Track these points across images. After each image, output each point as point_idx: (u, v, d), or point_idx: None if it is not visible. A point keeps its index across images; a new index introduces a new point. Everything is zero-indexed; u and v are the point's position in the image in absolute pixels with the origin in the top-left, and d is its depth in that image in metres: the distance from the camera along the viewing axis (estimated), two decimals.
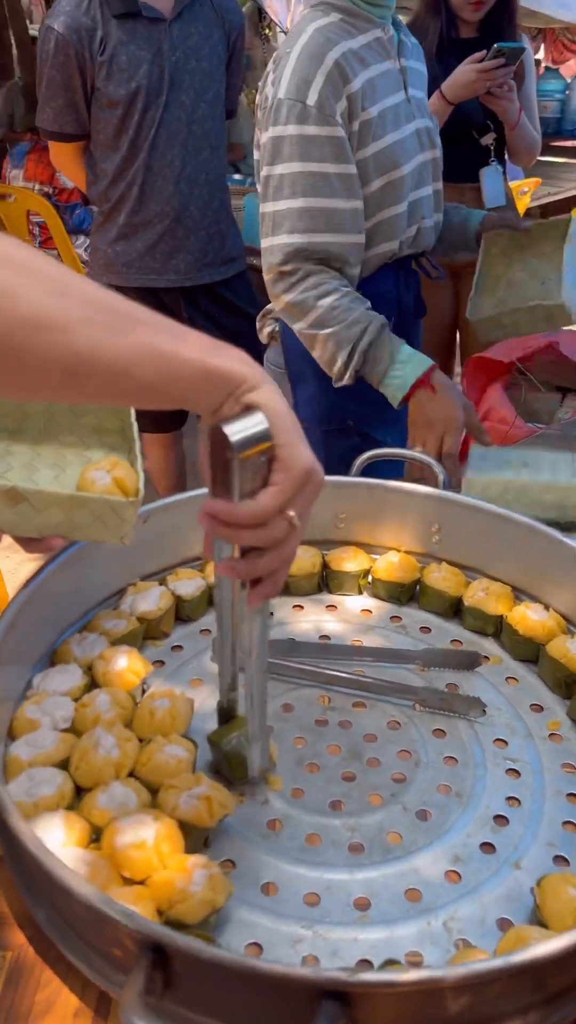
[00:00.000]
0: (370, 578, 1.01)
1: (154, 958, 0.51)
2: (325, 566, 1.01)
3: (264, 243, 1.26)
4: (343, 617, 0.98)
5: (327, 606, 1.00)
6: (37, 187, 3.54)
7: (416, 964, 0.62)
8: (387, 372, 1.22)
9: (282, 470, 0.58)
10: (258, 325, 1.48)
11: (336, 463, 1.44)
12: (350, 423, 1.40)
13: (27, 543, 0.75)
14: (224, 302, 1.99)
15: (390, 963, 0.59)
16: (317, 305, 1.23)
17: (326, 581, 1.02)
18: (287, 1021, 0.52)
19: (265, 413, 0.58)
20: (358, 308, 1.23)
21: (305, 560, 1.00)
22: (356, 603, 1.01)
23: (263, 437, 0.58)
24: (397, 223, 1.32)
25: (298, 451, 0.59)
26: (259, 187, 1.27)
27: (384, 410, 1.29)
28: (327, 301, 1.23)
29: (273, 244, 1.24)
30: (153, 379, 0.54)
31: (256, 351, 1.49)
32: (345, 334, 1.22)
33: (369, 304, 1.25)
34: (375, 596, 1.01)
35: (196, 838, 0.69)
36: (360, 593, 1.01)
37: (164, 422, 2.14)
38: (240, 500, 0.59)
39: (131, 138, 1.79)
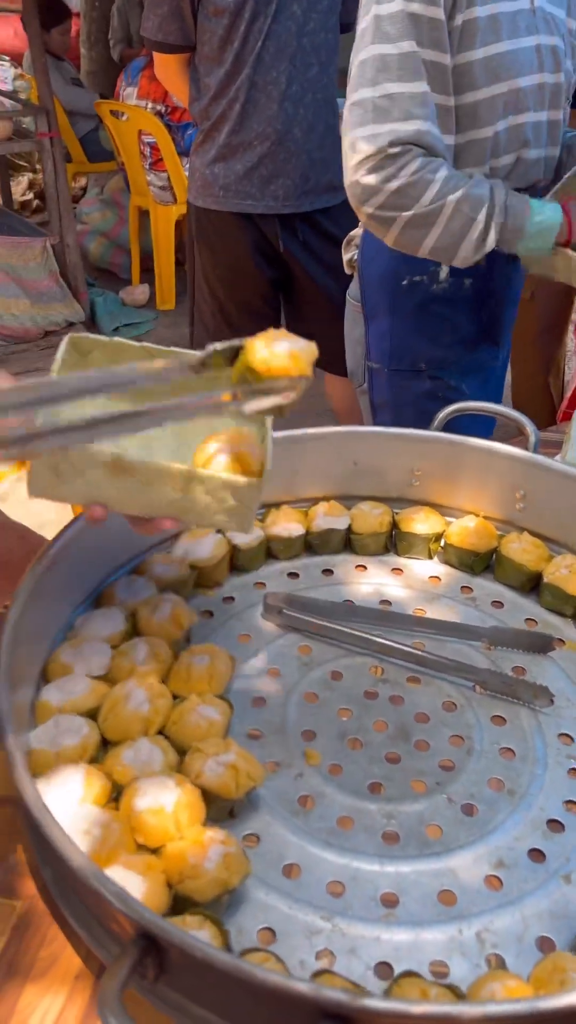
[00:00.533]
0: (442, 543, 0.94)
1: (146, 945, 0.47)
2: (394, 525, 0.94)
3: (359, 132, 1.11)
4: (408, 583, 0.91)
5: (392, 569, 0.93)
6: (150, 105, 3.46)
7: (440, 976, 0.57)
8: (529, 217, 1.11)
9: None
10: (343, 255, 1.39)
11: (407, 408, 1.35)
12: (422, 366, 1.31)
13: (135, 522, 0.70)
14: (323, 232, 1.88)
15: (409, 975, 0.54)
16: (436, 178, 1.10)
17: (394, 542, 0.95)
18: None
19: None
20: (473, 176, 1.13)
21: (373, 517, 0.93)
22: (424, 568, 0.93)
23: None
24: (486, 146, 1.17)
25: None
26: (352, 71, 1.14)
27: (462, 355, 1.19)
28: (443, 173, 1.11)
29: (378, 132, 1.10)
30: None
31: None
32: (477, 193, 1.11)
33: None
34: (446, 563, 0.93)
35: (220, 807, 0.65)
36: (430, 558, 0.94)
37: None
38: None
39: (236, 51, 1.69)
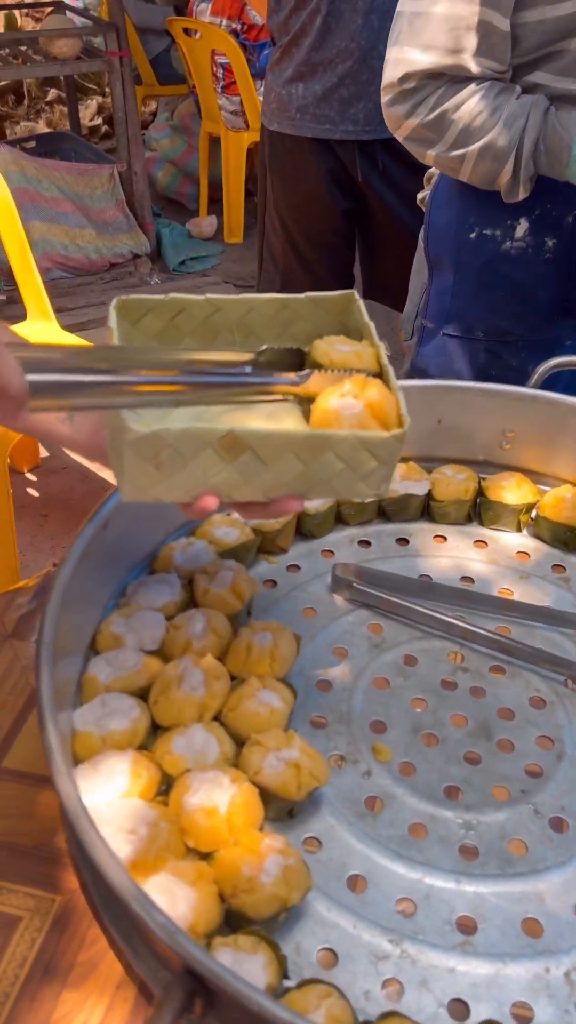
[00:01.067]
0: (534, 514, 0.84)
1: (193, 985, 0.41)
2: (480, 493, 0.85)
3: (389, 52, 0.97)
4: (493, 558, 0.82)
5: (475, 541, 0.84)
6: (224, 23, 3.27)
7: (524, 1021, 0.50)
8: (570, 145, 0.91)
9: None
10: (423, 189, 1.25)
11: (467, 374, 1.16)
12: (480, 335, 1.13)
13: (245, 508, 0.59)
14: (405, 160, 1.73)
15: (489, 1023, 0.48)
16: (456, 117, 0.95)
17: (478, 511, 0.86)
18: None
19: None
20: (508, 103, 0.95)
21: (456, 483, 0.84)
22: (511, 542, 0.84)
23: None
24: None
25: None
26: None
27: (532, 329, 1.04)
28: (468, 107, 0.94)
29: (400, 58, 0.95)
30: None
31: None
32: (519, 109, 0.94)
33: None
34: (537, 536, 0.84)
35: (279, 807, 0.59)
36: (519, 531, 0.85)
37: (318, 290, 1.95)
38: None
39: None
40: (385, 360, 0.61)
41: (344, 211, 1.79)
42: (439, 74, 0.94)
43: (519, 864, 0.58)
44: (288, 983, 0.50)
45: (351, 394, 0.57)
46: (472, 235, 1.07)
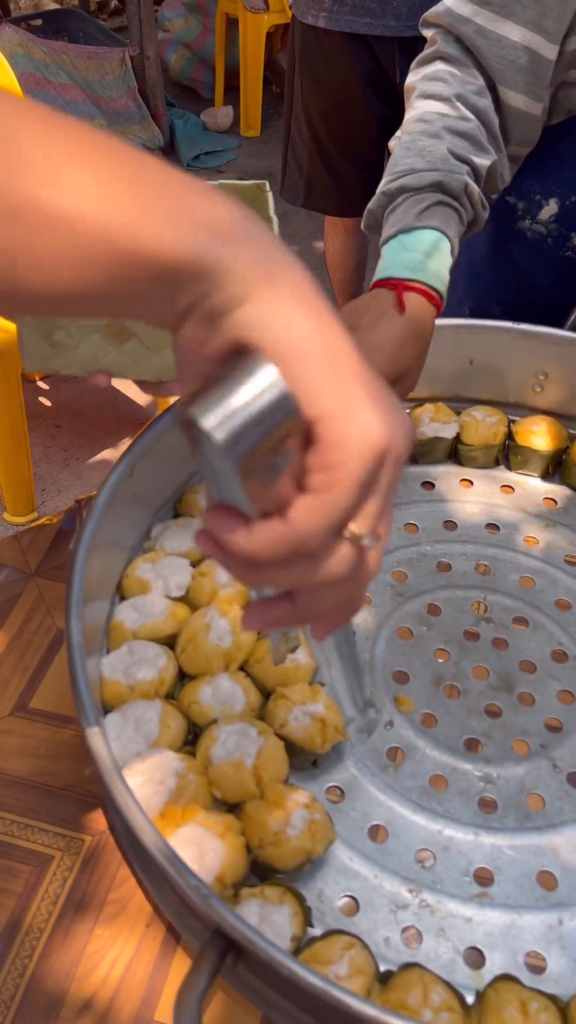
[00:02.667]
0: (563, 460, 0.82)
1: (225, 945, 0.43)
2: (509, 436, 0.83)
3: None
4: (520, 504, 0.81)
5: (502, 486, 0.83)
6: None
7: (537, 971, 0.52)
8: (393, 236, 0.72)
9: (326, 464, 0.31)
10: None
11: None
12: (467, 311, 1.02)
13: (146, 386, 0.63)
14: None
15: (506, 979, 0.50)
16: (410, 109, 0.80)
17: (506, 454, 0.84)
18: None
19: (275, 356, 0.30)
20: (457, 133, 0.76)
21: (486, 427, 0.82)
22: (539, 488, 0.83)
23: (280, 416, 0.30)
24: None
25: (352, 423, 0.31)
26: None
27: (547, 302, 0.90)
28: (419, 110, 0.78)
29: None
30: None
31: None
32: (418, 146, 0.75)
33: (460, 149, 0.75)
34: (566, 483, 0.83)
35: (303, 759, 0.60)
36: (548, 477, 0.83)
37: (349, 205, 1.86)
38: (256, 516, 0.33)
39: None
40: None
41: (379, 118, 1.67)
42: (441, 26, 0.79)
43: (536, 818, 0.59)
44: (312, 931, 0.52)
45: None
46: (495, 197, 0.91)
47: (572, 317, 0.82)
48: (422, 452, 0.83)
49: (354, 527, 0.33)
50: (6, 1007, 0.52)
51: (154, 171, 0.30)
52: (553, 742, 0.63)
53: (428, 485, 0.83)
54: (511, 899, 0.55)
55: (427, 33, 0.80)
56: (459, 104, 0.76)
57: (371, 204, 0.76)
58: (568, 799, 0.60)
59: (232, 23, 3.38)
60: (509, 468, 0.84)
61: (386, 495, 0.34)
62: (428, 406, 0.83)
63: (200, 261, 0.29)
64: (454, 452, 0.84)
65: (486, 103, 0.76)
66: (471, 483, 0.83)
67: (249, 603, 0.36)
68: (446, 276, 0.71)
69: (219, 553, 0.34)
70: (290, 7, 1.68)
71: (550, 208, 0.89)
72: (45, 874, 0.57)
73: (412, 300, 0.68)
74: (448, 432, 0.82)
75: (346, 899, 0.55)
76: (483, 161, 0.76)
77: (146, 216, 0.28)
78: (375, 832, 0.58)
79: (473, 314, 1.01)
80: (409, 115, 0.78)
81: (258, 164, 3.34)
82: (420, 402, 0.85)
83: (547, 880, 0.56)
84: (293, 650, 0.59)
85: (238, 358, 0.30)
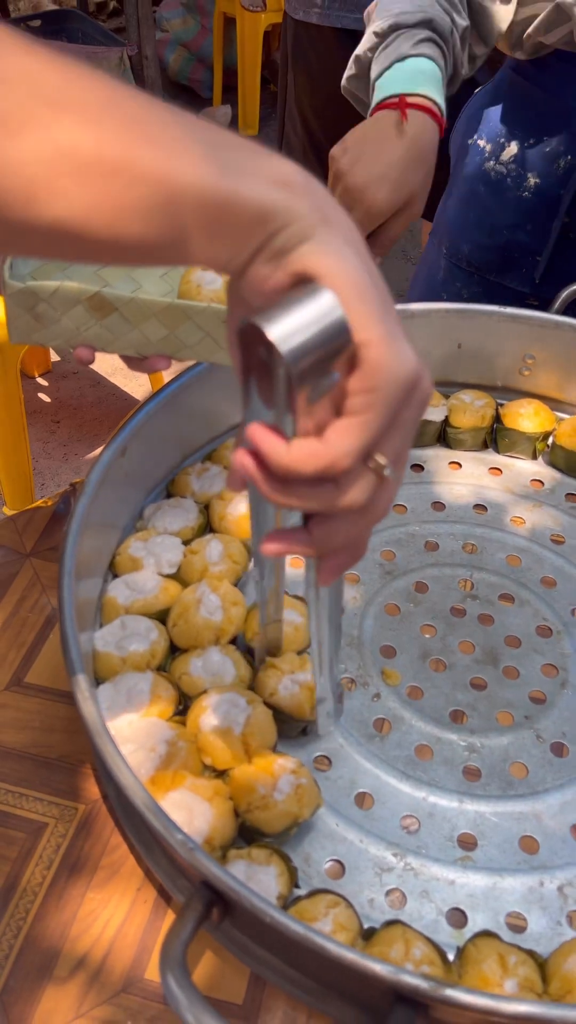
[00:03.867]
0: (550, 442, 0.84)
1: (211, 897, 0.44)
2: (497, 419, 0.85)
3: None
4: (507, 485, 0.83)
5: (490, 468, 0.84)
6: None
7: (517, 930, 0.53)
8: (389, 65, 0.75)
9: (366, 387, 0.35)
10: None
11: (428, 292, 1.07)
12: (444, 250, 1.05)
13: (130, 361, 0.64)
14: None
15: (486, 935, 0.51)
16: None
17: (494, 437, 0.86)
18: (353, 989, 0.45)
19: (332, 286, 0.34)
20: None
21: (474, 410, 0.83)
22: (527, 470, 0.84)
23: (335, 336, 0.34)
24: None
25: (392, 351, 0.35)
26: None
27: (492, 269, 0.93)
28: None
29: None
30: (84, 210, 0.32)
31: None
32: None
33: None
34: (552, 465, 0.84)
35: (292, 727, 0.62)
36: (534, 458, 0.85)
37: None
38: (295, 436, 0.36)
39: None
40: None
41: None
42: None
43: (519, 786, 0.61)
44: (298, 892, 0.53)
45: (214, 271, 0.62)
46: (469, 140, 1.01)
47: (558, 301, 0.84)
48: None
49: (379, 457, 0.36)
50: (1, 966, 0.53)
51: (226, 137, 0.35)
52: (537, 713, 0.65)
53: (417, 468, 0.84)
54: (494, 863, 0.57)
55: None
56: None
57: (359, 49, 0.79)
58: (551, 768, 0.62)
59: (230, 22, 3.40)
60: (497, 451, 0.85)
61: (408, 432, 0.37)
62: None
63: (273, 208, 0.34)
64: (443, 435, 0.85)
65: None
66: (460, 465, 0.85)
67: (270, 532, 0.39)
68: (443, 100, 0.73)
69: (255, 469, 0.37)
70: (284, 4, 1.70)
71: (510, 150, 0.95)
72: (39, 840, 0.58)
73: (415, 118, 0.70)
74: (437, 415, 0.83)
75: (332, 863, 0.56)
76: (461, 21, 0.80)
77: (227, 175, 0.34)
78: (361, 799, 0.60)
79: (448, 253, 1.05)
80: None
81: None
82: None
83: (529, 844, 0.58)
84: (275, 648, 0.60)
85: (300, 287, 0.34)
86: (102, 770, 0.58)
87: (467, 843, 0.58)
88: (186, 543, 0.71)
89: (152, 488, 0.77)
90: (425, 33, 0.75)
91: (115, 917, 0.55)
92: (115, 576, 0.70)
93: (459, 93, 1.59)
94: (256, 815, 0.54)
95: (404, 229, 0.74)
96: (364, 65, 0.79)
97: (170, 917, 0.55)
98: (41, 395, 2.23)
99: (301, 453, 0.35)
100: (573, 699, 0.66)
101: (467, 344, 0.85)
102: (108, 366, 2.33)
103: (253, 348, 0.35)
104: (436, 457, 0.85)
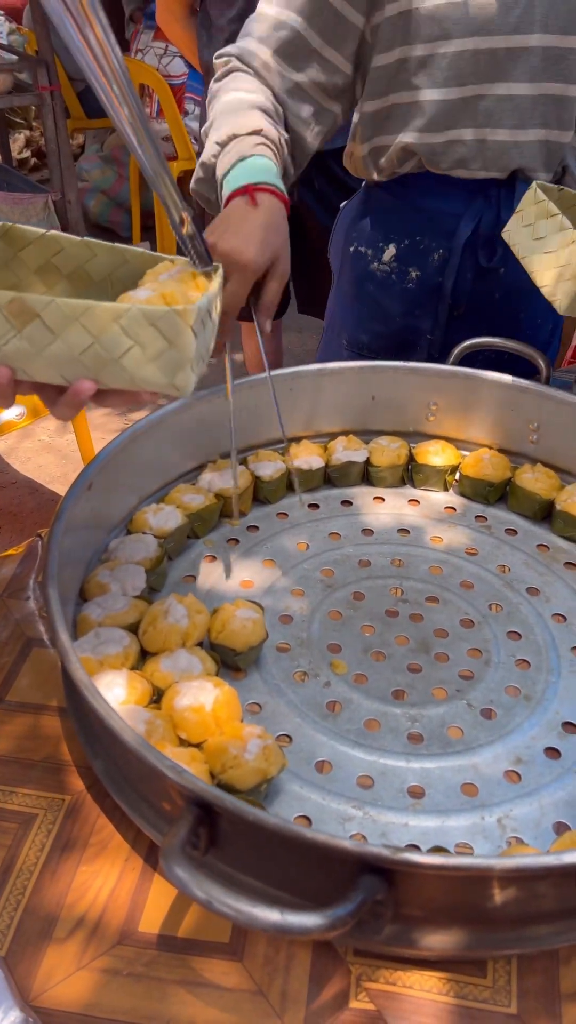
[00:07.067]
0: (457, 475, 0.97)
1: (199, 814, 0.51)
2: (411, 458, 0.97)
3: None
4: (425, 512, 0.95)
5: (409, 500, 0.97)
6: (169, 47, 3.40)
7: (465, 854, 0.61)
8: (234, 165, 0.89)
9: None
10: None
11: None
12: (344, 343, 1.21)
13: (51, 401, 0.60)
14: (338, 181, 1.88)
15: (438, 849, 0.59)
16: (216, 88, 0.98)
17: (410, 474, 0.98)
18: (328, 891, 0.51)
19: None
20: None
21: (390, 450, 0.96)
22: (441, 499, 0.97)
23: None
24: (418, 112, 0.98)
25: None
26: None
27: (390, 351, 1.11)
28: (225, 85, 0.97)
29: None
30: None
31: None
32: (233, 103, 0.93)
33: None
34: (461, 494, 0.97)
35: (244, 658, 0.72)
36: (446, 490, 0.97)
37: None
38: None
39: None
40: (215, 282, 0.66)
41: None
42: (236, 56, 0.99)
43: (457, 745, 0.69)
44: None
45: (148, 287, 0.63)
46: (352, 248, 1.16)
47: (452, 355, 0.99)
48: (338, 475, 0.96)
49: None
50: (3, 935, 0.57)
51: None
52: (467, 687, 0.74)
53: (346, 503, 0.96)
54: (440, 806, 0.65)
55: (218, 62, 1.00)
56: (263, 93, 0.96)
57: (204, 156, 0.93)
58: (482, 728, 0.71)
59: None
60: (414, 485, 0.98)
61: None
62: (341, 438, 0.97)
63: None
64: (366, 474, 0.97)
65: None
66: (383, 499, 0.97)
67: None
68: (283, 185, 0.89)
69: None
70: (193, 146, 1.94)
71: (390, 251, 1.12)
72: (31, 828, 0.64)
73: (264, 199, 0.85)
74: (359, 457, 0.96)
75: (300, 817, 0.63)
76: (284, 133, 0.97)
77: None
78: (321, 766, 0.67)
79: (349, 344, 1.21)
80: (221, 98, 0.96)
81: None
82: (334, 435, 0.99)
83: (469, 790, 0.66)
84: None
85: None
86: (86, 738, 0.65)
87: (416, 793, 0.66)
88: (148, 572, 0.80)
89: (113, 528, 0.86)
90: (259, 139, 0.91)
91: (106, 884, 0.60)
92: (85, 601, 0.78)
93: (333, 208, 1.82)
94: (230, 774, 0.61)
95: (280, 289, 0.87)
96: (209, 169, 0.95)
97: (158, 880, 0.61)
98: None
99: None
100: (496, 674, 0.75)
101: (380, 396, 0.99)
102: (46, 475, 2.42)
103: None
104: (362, 493, 0.97)
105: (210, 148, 0.93)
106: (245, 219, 0.84)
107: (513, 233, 0.91)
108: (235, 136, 0.91)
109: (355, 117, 1.08)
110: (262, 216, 0.84)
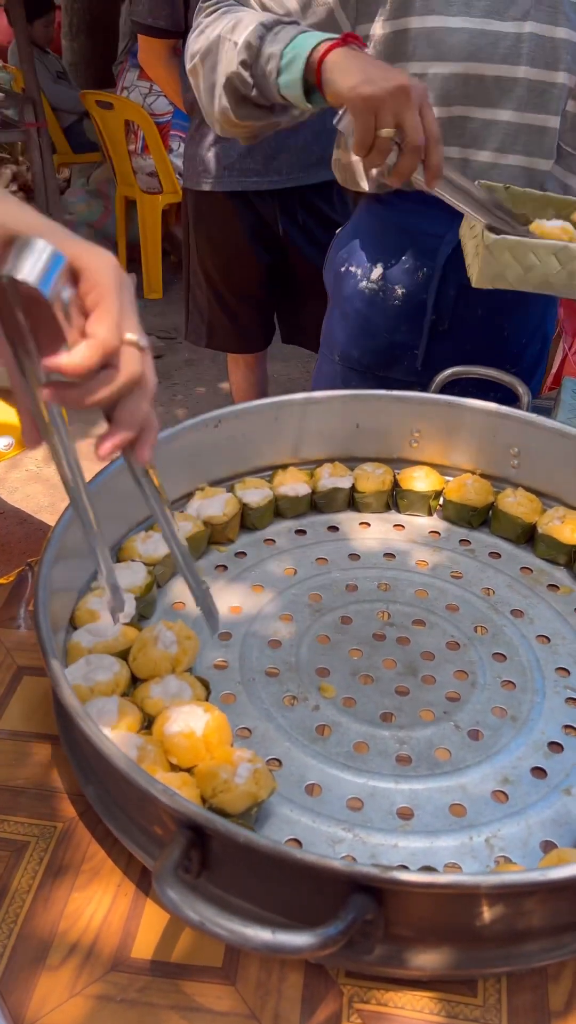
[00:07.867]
0: (441, 499, 0.99)
1: (191, 837, 0.52)
2: (395, 484, 0.99)
3: None
4: (410, 537, 0.96)
5: (394, 525, 0.98)
6: (154, 86, 3.46)
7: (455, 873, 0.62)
8: (299, 33, 0.91)
9: (93, 286, 0.49)
10: None
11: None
12: (336, 358, 1.26)
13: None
14: (320, 215, 1.92)
15: (427, 869, 0.59)
16: (208, 20, 1.00)
17: (395, 500, 1.00)
18: (319, 911, 0.52)
19: (29, 230, 0.47)
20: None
21: (375, 477, 0.98)
22: (425, 524, 0.98)
23: (56, 262, 0.46)
24: None
25: (94, 253, 0.49)
26: None
27: (378, 365, 1.15)
28: (221, 15, 0.99)
29: None
30: None
31: None
32: (240, 23, 0.94)
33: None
34: (445, 519, 0.99)
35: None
36: (430, 515, 0.99)
37: (248, 342, 2.12)
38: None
39: None
40: None
41: (266, 265, 1.97)
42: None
43: (445, 766, 0.70)
44: None
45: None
46: (343, 269, 1.23)
47: (434, 384, 1.01)
48: (325, 502, 0.98)
49: (128, 334, 0.50)
50: None
51: None
52: (453, 709, 0.75)
53: (333, 528, 0.97)
54: (429, 827, 0.65)
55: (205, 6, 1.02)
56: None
57: (249, 37, 0.93)
58: (470, 749, 0.72)
59: (131, 204, 3.79)
60: (399, 511, 1.00)
61: (130, 306, 0.51)
62: (327, 465, 0.99)
63: None
64: (352, 501, 0.99)
65: None
66: (368, 524, 0.98)
67: (99, 443, 0.53)
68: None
69: (57, 393, 0.49)
70: (178, 181, 1.98)
71: (377, 271, 1.18)
72: (24, 855, 0.64)
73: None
74: (345, 483, 0.97)
75: (290, 840, 0.64)
76: None
77: None
78: (311, 789, 0.68)
79: (341, 360, 1.25)
80: (233, 13, 0.98)
81: (163, 321, 3.65)
82: (319, 462, 1.01)
83: (457, 810, 0.67)
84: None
85: (14, 245, 0.47)
86: (78, 764, 0.65)
87: (405, 815, 0.66)
88: (138, 599, 0.81)
89: None
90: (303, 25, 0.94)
91: (99, 911, 0.61)
92: (75, 628, 0.79)
93: (317, 241, 1.86)
94: (221, 798, 0.62)
95: (432, 115, 0.87)
96: (254, 51, 0.94)
97: (150, 905, 0.61)
98: None
99: (81, 352, 0.48)
100: (482, 695, 0.77)
101: (364, 424, 1.01)
102: (35, 505, 2.43)
103: (6, 303, 0.47)
104: (348, 519, 0.99)
105: (254, 30, 0.92)
106: (367, 59, 0.87)
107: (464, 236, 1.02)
108: (280, 22, 0.94)
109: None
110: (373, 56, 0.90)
